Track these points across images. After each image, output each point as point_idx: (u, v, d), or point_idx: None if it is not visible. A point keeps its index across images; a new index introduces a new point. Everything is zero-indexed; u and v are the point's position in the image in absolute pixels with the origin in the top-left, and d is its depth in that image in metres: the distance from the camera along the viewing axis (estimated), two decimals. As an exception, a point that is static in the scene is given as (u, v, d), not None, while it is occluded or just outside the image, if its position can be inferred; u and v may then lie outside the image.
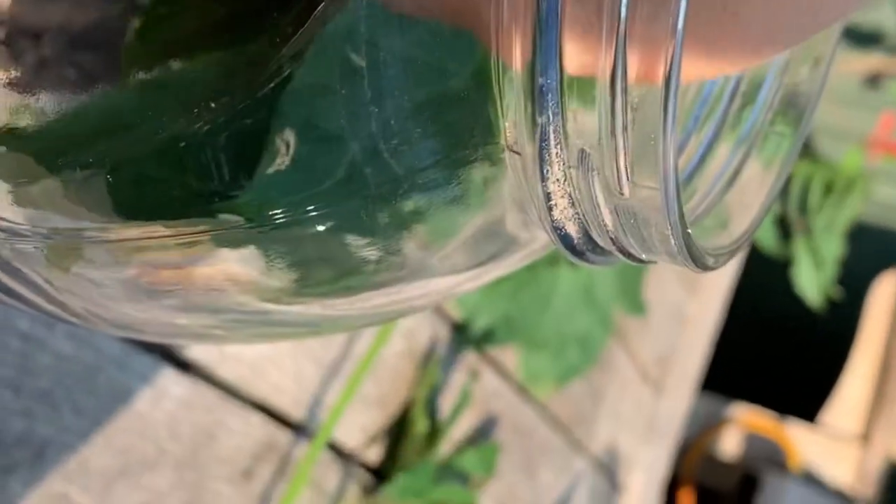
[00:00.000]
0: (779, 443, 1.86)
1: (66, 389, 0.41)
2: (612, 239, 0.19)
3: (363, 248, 0.20)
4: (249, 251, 0.21)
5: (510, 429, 0.76)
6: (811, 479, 1.83)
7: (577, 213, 0.18)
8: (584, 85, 0.16)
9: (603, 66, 0.15)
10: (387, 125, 0.18)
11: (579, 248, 0.19)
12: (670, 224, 0.17)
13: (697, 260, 0.18)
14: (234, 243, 0.19)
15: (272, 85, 0.18)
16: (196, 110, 0.18)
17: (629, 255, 0.19)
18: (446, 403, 0.67)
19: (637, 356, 0.97)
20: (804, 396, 1.96)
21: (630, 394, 0.98)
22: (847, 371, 1.92)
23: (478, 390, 0.71)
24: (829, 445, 1.89)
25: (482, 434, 0.72)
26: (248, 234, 0.19)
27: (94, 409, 0.42)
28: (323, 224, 0.19)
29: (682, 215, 0.17)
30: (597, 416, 0.91)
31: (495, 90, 0.17)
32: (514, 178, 0.19)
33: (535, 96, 0.16)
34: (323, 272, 0.22)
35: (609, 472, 0.95)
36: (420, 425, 0.61)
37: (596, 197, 0.18)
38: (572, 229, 0.19)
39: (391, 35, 0.17)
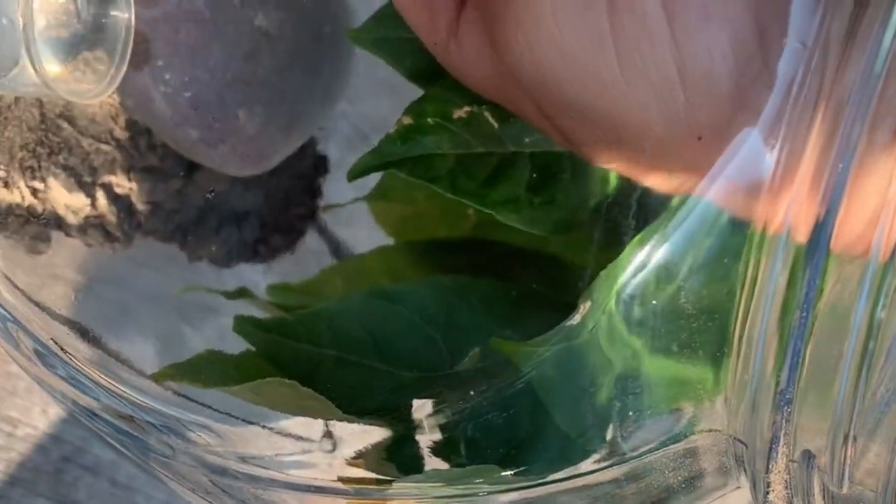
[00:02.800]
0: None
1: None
2: (816, 514, 0.21)
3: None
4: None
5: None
6: None
7: (788, 495, 0.21)
8: (818, 391, 0.19)
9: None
10: (625, 416, 0.20)
11: (782, 520, 0.21)
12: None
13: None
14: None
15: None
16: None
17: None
18: None
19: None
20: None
21: None
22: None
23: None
24: None
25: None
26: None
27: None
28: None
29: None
30: None
31: (729, 384, 0.20)
32: (728, 462, 0.21)
33: (775, 401, 0.19)
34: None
35: None
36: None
37: (812, 487, 0.20)
38: (781, 507, 0.21)
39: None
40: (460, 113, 0.22)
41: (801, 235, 0.17)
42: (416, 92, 0.23)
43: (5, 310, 0.25)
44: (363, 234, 0.30)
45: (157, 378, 0.25)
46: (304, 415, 0.24)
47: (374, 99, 0.33)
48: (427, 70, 0.22)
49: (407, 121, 0.22)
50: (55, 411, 0.34)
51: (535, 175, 0.22)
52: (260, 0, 0.28)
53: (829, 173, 0.17)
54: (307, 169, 0.34)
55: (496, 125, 0.22)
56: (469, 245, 0.28)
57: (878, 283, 0.17)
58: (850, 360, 0.17)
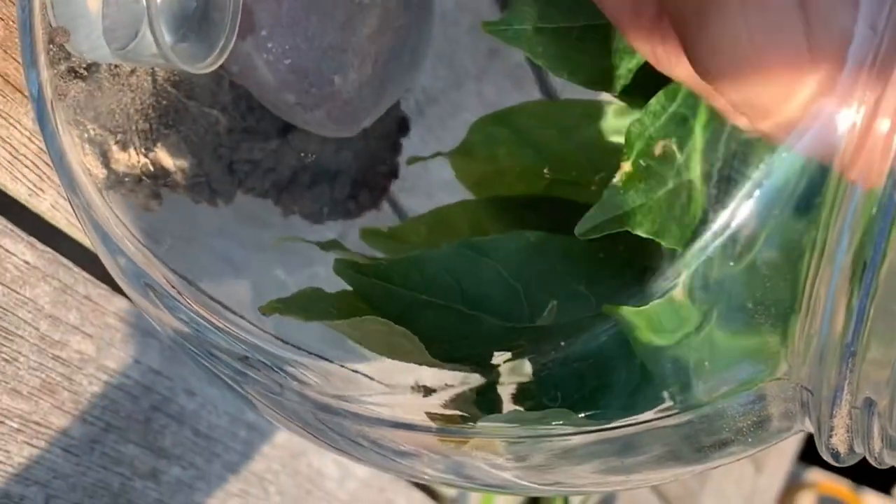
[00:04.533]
0: (854, 509, 1.85)
1: (275, 473, 0.46)
2: (875, 456, 0.23)
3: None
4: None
5: (625, 504, 0.80)
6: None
7: (850, 438, 0.22)
8: (879, 338, 0.20)
9: None
10: (701, 367, 0.22)
11: (841, 458, 0.23)
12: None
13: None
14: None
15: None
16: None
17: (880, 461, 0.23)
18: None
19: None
20: (880, 468, 1.95)
21: (734, 472, 1.01)
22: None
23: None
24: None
25: (601, 509, 0.76)
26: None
27: (293, 490, 0.47)
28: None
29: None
30: (702, 493, 0.94)
31: (798, 337, 0.22)
32: (794, 407, 0.23)
33: (841, 353, 0.20)
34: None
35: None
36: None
37: (872, 431, 0.22)
38: (843, 449, 0.23)
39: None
40: (658, 149, 0.22)
41: (872, 188, 0.19)
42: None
43: (129, 258, 0.27)
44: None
45: (265, 311, 0.27)
46: (393, 356, 0.26)
47: (436, 62, 0.35)
48: (563, 58, 0.24)
49: (627, 168, 0.22)
50: (147, 362, 0.37)
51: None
52: (353, -29, 0.30)
53: None
54: (391, 129, 0.36)
55: (680, 157, 0.22)
56: (545, 202, 0.30)
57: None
58: None
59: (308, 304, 0.26)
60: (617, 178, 0.23)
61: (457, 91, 0.41)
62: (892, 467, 0.23)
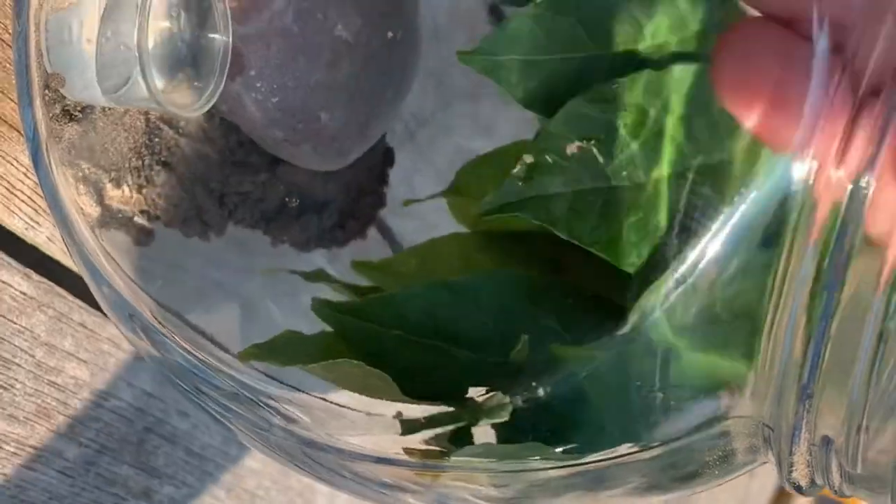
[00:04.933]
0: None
1: (266, 490, 0.47)
2: (834, 489, 0.24)
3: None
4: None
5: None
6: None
7: (810, 472, 0.24)
8: (835, 386, 0.21)
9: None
10: (667, 406, 0.23)
11: (804, 491, 0.24)
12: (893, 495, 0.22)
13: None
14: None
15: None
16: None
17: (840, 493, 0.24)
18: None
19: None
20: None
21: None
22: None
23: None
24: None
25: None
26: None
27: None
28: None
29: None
30: (696, 499, 0.95)
31: (759, 378, 0.23)
32: (757, 442, 0.24)
33: (798, 394, 0.22)
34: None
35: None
36: None
37: (831, 466, 0.23)
38: (804, 483, 0.24)
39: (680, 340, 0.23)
40: (573, 148, 0.23)
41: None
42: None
43: (118, 293, 0.28)
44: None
45: (243, 357, 0.28)
46: (368, 394, 0.27)
47: (421, 93, 0.36)
48: (540, 94, 0.23)
49: (529, 159, 0.23)
50: (140, 385, 0.38)
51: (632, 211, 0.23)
52: (340, 12, 0.31)
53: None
54: (377, 160, 0.37)
55: (601, 160, 0.23)
56: (538, 237, 0.31)
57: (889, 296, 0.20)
58: (863, 364, 0.20)
59: (285, 348, 0.27)
60: (517, 169, 0.23)
61: (447, 112, 0.42)
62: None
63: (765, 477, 1.12)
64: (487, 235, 0.31)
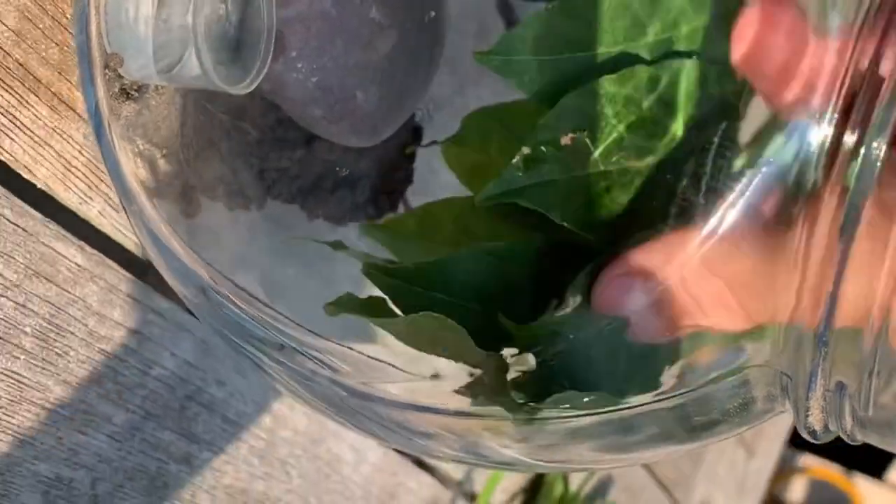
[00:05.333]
0: (846, 493, 1.88)
1: (296, 458, 0.49)
2: (847, 433, 0.26)
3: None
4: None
5: (623, 489, 0.83)
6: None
7: (824, 417, 0.25)
8: (849, 337, 0.23)
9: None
10: (691, 356, 0.25)
11: (818, 436, 0.26)
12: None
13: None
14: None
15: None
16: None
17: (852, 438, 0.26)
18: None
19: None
20: (872, 454, 1.98)
21: (726, 456, 1.04)
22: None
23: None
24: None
25: (600, 493, 0.79)
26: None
27: (313, 474, 0.50)
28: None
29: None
30: (696, 477, 0.97)
31: (778, 328, 0.24)
32: (775, 391, 0.26)
33: (814, 342, 0.23)
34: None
35: (704, 529, 1.01)
36: (557, 490, 0.68)
37: (844, 411, 0.25)
38: (818, 427, 0.26)
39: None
40: (566, 139, 0.24)
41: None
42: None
43: (177, 258, 0.30)
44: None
45: (331, 311, 0.29)
46: (438, 353, 0.29)
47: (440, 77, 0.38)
48: (551, 91, 0.25)
49: (526, 150, 0.25)
50: (182, 355, 0.40)
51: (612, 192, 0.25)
52: (375, -4, 0.33)
53: None
54: (406, 139, 0.39)
55: (592, 148, 0.24)
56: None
57: None
58: (875, 311, 0.22)
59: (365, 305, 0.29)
60: (516, 159, 0.25)
61: (461, 97, 0.44)
62: (883, 453, 0.26)
63: (763, 458, 1.14)
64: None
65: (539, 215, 0.26)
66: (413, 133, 0.39)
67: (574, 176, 0.25)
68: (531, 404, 0.27)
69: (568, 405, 0.27)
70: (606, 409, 0.27)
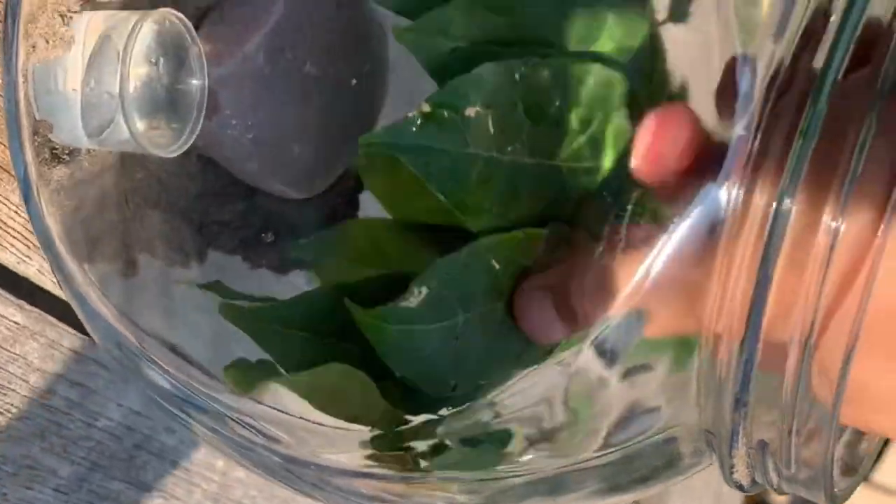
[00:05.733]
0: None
1: (252, 499, 0.49)
2: (774, 488, 0.26)
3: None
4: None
5: None
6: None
7: (750, 472, 0.26)
8: (768, 393, 0.24)
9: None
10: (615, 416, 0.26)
11: (745, 489, 0.27)
12: (826, 495, 0.24)
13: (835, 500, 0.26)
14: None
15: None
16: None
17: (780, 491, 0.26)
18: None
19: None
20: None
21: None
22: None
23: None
24: (880, 500, 1.90)
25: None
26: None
27: (271, 513, 0.50)
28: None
29: (832, 495, 0.24)
30: (671, 492, 0.97)
31: (699, 390, 0.25)
32: (702, 446, 0.26)
33: (736, 408, 0.24)
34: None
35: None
36: None
37: (768, 467, 0.25)
38: (746, 482, 0.26)
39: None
40: (470, 112, 0.23)
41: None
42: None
43: (107, 323, 0.30)
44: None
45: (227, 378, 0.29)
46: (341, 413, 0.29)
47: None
48: (456, 69, 0.24)
49: (426, 108, 0.23)
50: (128, 404, 0.40)
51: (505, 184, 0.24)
52: (308, 50, 0.33)
53: None
54: (349, 187, 0.39)
55: (492, 130, 0.24)
56: (442, 228, 0.31)
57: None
58: (790, 374, 0.22)
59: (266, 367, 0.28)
60: (412, 114, 0.24)
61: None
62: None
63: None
64: (396, 223, 0.31)
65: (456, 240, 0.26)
66: (356, 181, 0.39)
67: (466, 153, 0.24)
68: (424, 462, 0.27)
69: (498, 466, 0.27)
70: (536, 469, 0.27)
